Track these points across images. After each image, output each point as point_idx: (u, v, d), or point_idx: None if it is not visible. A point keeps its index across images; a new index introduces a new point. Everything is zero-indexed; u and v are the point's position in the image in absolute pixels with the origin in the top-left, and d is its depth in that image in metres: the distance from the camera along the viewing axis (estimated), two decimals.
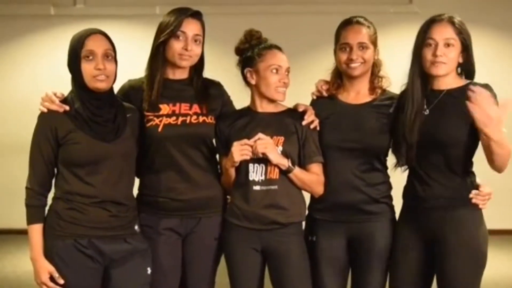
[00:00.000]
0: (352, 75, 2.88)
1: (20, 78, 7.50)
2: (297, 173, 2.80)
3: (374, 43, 2.89)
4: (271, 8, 6.95)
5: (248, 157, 2.75)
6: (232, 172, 2.83)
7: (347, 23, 2.90)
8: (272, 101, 2.86)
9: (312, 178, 2.84)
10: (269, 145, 2.75)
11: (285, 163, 2.77)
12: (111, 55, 2.63)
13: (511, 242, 6.71)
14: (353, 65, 2.85)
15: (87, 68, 2.58)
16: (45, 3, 7.33)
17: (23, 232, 2.64)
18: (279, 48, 2.86)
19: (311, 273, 2.87)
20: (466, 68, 2.78)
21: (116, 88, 2.80)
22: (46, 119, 2.61)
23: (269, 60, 2.82)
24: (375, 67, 2.93)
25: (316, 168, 2.85)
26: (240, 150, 2.74)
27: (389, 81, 2.95)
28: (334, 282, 2.91)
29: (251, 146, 2.74)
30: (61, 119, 2.60)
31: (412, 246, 2.79)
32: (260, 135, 2.75)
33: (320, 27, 6.10)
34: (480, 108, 2.44)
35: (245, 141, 2.75)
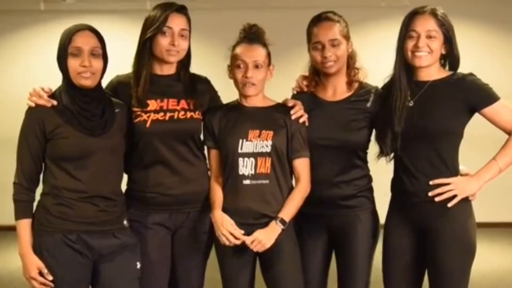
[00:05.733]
0: (328, 73, 2.89)
1: (10, 73, 7.46)
2: (288, 217, 2.77)
3: (346, 36, 2.88)
4: (259, 2, 6.93)
5: (231, 245, 2.74)
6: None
7: (317, 20, 2.89)
8: (245, 96, 2.84)
9: (297, 198, 2.82)
10: (263, 241, 2.72)
11: (278, 231, 2.74)
12: (98, 52, 2.62)
13: (500, 235, 6.74)
14: (328, 64, 2.84)
15: (72, 65, 2.58)
16: None
17: (15, 228, 2.62)
18: (250, 41, 2.80)
19: None
20: (450, 59, 2.81)
21: (105, 83, 2.79)
22: (34, 114, 2.61)
23: (236, 53, 2.80)
24: (350, 59, 2.93)
25: (302, 164, 2.84)
26: (226, 239, 2.73)
27: (365, 73, 2.95)
28: (317, 269, 2.96)
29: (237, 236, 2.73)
30: (49, 114, 2.60)
31: (404, 238, 2.82)
32: (253, 236, 2.72)
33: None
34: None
35: (241, 237, 2.73)
